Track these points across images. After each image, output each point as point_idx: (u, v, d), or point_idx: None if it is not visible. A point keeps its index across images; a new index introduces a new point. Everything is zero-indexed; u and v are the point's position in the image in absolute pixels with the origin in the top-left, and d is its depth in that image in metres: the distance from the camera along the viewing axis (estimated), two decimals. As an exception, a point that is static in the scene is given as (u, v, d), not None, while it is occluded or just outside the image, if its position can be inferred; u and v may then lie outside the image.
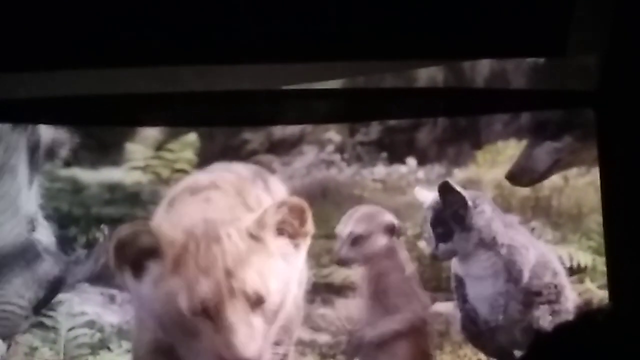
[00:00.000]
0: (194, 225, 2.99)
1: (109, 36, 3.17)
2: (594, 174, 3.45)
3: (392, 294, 3.35)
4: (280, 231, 3.02)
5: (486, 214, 3.37)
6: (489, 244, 3.37)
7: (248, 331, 2.85)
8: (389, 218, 3.37)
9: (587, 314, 1.15)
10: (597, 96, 3.42)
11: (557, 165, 3.46)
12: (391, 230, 3.36)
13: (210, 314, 2.86)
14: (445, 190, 3.37)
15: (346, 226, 3.37)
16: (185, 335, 2.93)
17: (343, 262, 3.38)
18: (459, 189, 3.37)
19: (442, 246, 3.36)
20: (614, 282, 3.35)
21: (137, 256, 2.93)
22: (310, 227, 3.06)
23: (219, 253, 2.90)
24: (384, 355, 3.32)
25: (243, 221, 3.00)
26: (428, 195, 3.43)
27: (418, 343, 3.35)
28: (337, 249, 3.36)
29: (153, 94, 3.31)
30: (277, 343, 3.14)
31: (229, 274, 2.88)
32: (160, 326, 3.05)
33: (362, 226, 3.36)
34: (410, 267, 3.41)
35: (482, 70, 3.60)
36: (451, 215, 3.36)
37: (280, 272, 3.00)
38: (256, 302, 2.89)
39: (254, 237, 2.96)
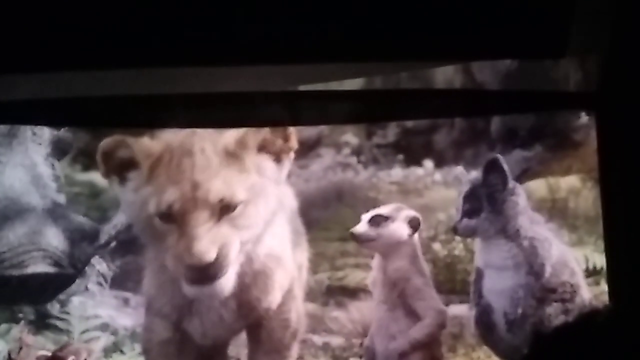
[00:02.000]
0: (172, 139, 3.21)
1: (128, 36, 3.24)
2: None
3: (412, 299, 3.37)
4: (261, 149, 3.19)
5: (519, 206, 3.40)
6: (512, 235, 3.40)
7: (210, 238, 3.05)
8: (414, 212, 3.39)
9: (587, 315, 1.18)
10: (597, 97, 3.44)
11: (524, 174, 3.48)
12: (415, 225, 3.38)
13: (176, 220, 3.09)
14: (493, 167, 3.39)
15: (370, 212, 3.39)
16: (154, 239, 3.19)
17: (357, 237, 3.37)
18: (506, 170, 3.39)
19: (466, 221, 3.40)
20: (613, 283, 3.38)
21: (120, 166, 3.20)
22: (293, 142, 3.24)
23: (188, 165, 3.12)
24: None
25: (222, 138, 3.19)
26: (473, 175, 3.44)
27: (432, 351, 3.38)
28: (357, 226, 3.37)
29: (171, 95, 3.38)
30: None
31: (195, 185, 3.09)
32: (136, 230, 3.32)
33: (386, 209, 3.39)
34: (428, 272, 3.43)
35: (491, 71, 3.63)
36: (486, 194, 3.39)
37: (253, 184, 3.16)
38: (222, 210, 3.09)
39: (230, 154, 3.15)
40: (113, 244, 3.52)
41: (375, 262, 3.43)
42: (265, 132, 3.19)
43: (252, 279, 3.23)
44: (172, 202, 3.08)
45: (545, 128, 3.55)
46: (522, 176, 3.48)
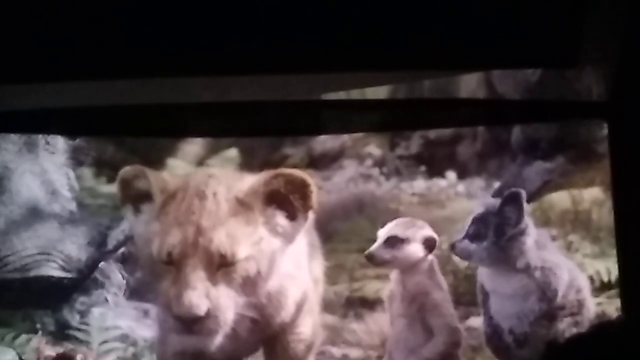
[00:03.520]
0: (189, 177, 3.16)
1: (148, 45, 3.28)
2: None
3: (430, 314, 3.37)
4: (272, 202, 3.07)
5: (525, 245, 3.37)
6: (522, 269, 3.37)
7: (202, 290, 2.94)
8: (431, 232, 3.36)
9: (599, 326, 1.22)
10: (609, 107, 3.46)
11: (546, 187, 3.50)
12: (431, 245, 3.36)
13: (174, 264, 2.98)
14: (512, 200, 3.35)
15: (386, 228, 3.37)
16: (155, 279, 3.10)
17: (372, 259, 3.35)
18: (525, 209, 3.35)
19: (466, 244, 3.38)
20: (626, 294, 3.40)
21: (135, 196, 3.15)
22: (313, 202, 3.09)
23: (197, 208, 3.02)
24: None
25: (236, 185, 3.09)
26: (490, 201, 3.42)
27: None
28: (372, 248, 3.35)
29: (192, 105, 3.42)
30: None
31: (199, 230, 2.99)
32: (141, 262, 3.29)
33: (400, 229, 3.36)
34: (446, 286, 3.42)
35: (512, 81, 3.66)
36: (496, 224, 3.36)
37: (260, 239, 3.04)
38: (220, 263, 2.98)
39: (241, 203, 3.05)
40: (122, 250, 3.58)
41: (394, 275, 3.43)
42: (278, 183, 3.06)
43: (266, 301, 3.17)
44: (174, 246, 2.99)
45: (567, 139, 3.57)
46: (543, 188, 3.51)
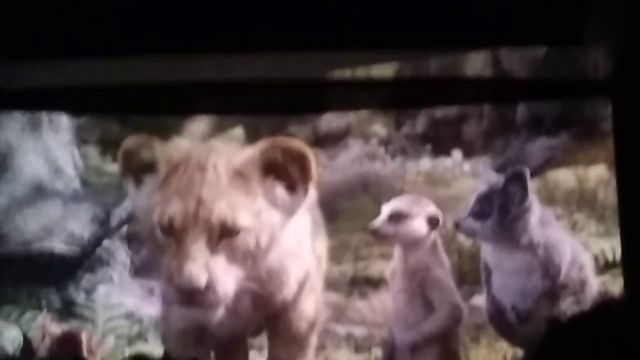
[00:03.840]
0: (192, 150, 3.18)
1: (153, 23, 3.28)
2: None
3: (431, 289, 3.38)
4: (270, 172, 3.07)
5: (530, 223, 3.38)
6: (525, 246, 3.38)
7: (202, 264, 2.95)
8: (435, 210, 3.38)
9: (602, 304, 1.23)
10: (614, 84, 3.47)
11: (549, 163, 3.50)
12: (434, 223, 3.36)
13: (175, 235, 3.00)
14: (516, 178, 3.36)
15: (391, 204, 3.38)
16: (156, 250, 3.14)
17: (376, 233, 3.37)
18: (530, 187, 3.36)
19: (470, 221, 3.39)
20: (628, 272, 3.42)
21: (139, 168, 3.16)
22: (312, 174, 3.09)
23: (197, 181, 3.04)
24: (417, 357, 3.36)
25: (236, 156, 3.11)
26: (494, 176, 3.43)
27: (449, 344, 3.40)
28: (375, 222, 3.36)
29: (200, 83, 3.42)
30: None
31: (199, 202, 3.00)
32: (142, 236, 3.32)
33: (405, 205, 3.37)
34: (448, 264, 3.44)
35: (518, 59, 3.63)
36: (500, 203, 3.36)
37: (259, 210, 3.05)
38: (221, 234, 2.99)
39: (239, 173, 3.06)
40: (126, 228, 3.60)
41: (396, 252, 3.45)
42: (275, 154, 3.06)
43: (266, 277, 3.19)
44: (175, 216, 3.00)
45: (571, 116, 3.58)
46: (546, 164, 3.50)
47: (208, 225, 2.98)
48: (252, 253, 3.04)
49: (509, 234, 3.39)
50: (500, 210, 3.38)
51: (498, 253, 3.44)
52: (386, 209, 3.38)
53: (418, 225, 3.38)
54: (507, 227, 3.39)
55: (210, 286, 2.96)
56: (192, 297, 2.97)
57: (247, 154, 3.10)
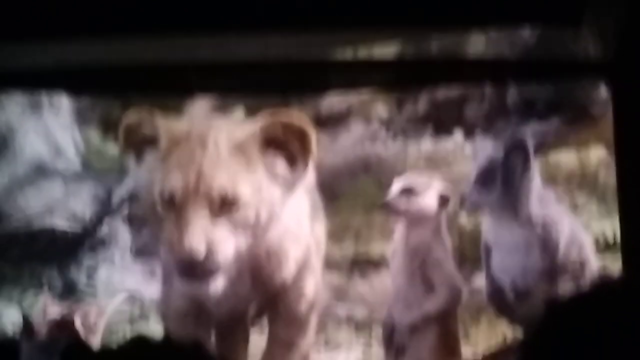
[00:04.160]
0: (193, 125, 3.18)
1: (152, 2, 3.28)
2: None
3: (432, 270, 3.39)
4: (271, 147, 3.09)
5: (531, 192, 3.38)
6: (524, 219, 3.39)
7: (203, 234, 2.97)
8: (446, 188, 3.38)
9: (600, 284, 1.24)
10: (612, 66, 3.46)
11: (540, 147, 3.47)
12: (445, 201, 3.37)
13: (175, 208, 3.02)
14: (517, 147, 3.36)
15: (402, 179, 3.39)
16: (155, 223, 3.15)
17: (387, 207, 3.37)
18: (531, 154, 3.37)
19: (475, 196, 3.39)
20: (626, 253, 3.42)
21: (140, 142, 3.17)
22: (312, 150, 3.10)
23: (198, 155, 3.05)
24: (415, 337, 3.39)
25: (237, 131, 3.12)
26: (489, 146, 3.44)
27: (448, 325, 3.41)
28: (387, 197, 3.37)
29: (202, 63, 3.41)
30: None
31: (200, 175, 3.02)
32: (143, 211, 3.34)
33: (418, 180, 3.38)
34: (450, 245, 3.44)
35: (513, 41, 3.61)
36: (503, 174, 3.36)
37: (260, 184, 3.07)
38: (222, 206, 3.01)
39: (240, 147, 3.07)
40: (126, 207, 3.61)
41: (398, 230, 3.46)
42: (276, 129, 3.08)
43: (265, 256, 3.21)
44: (175, 190, 3.02)
45: (562, 100, 3.57)
46: (538, 149, 3.46)
47: (208, 197, 3.00)
48: (252, 227, 3.05)
49: (513, 205, 3.40)
50: (504, 182, 3.38)
51: (498, 229, 3.45)
52: (398, 184, 3.38)
53: (429, 202, 3.39)
54: (512, 197, 3.39)
55: (209, 255, 2.98)
56: (192, 268, 2.98)
57: (247, 128, 3.11)
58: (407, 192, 3.37)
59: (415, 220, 3.40)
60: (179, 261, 3.00)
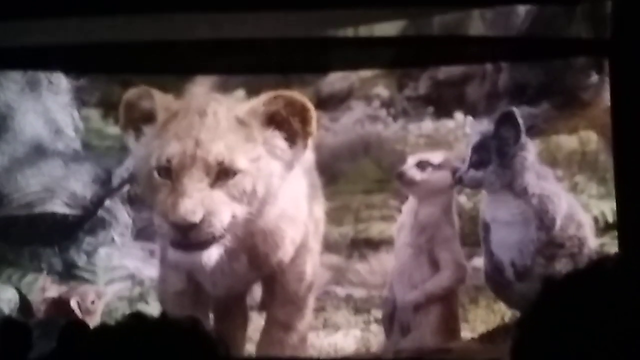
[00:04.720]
0: (192, 98, 3.25)
1: None
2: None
3: (439, 248, 3.41)
4: (272, 123, 3.12)
5: (527, 161, 3.39)
6: (520, 193, 3.40)
7: (198, 199, 3.00)
8: (461, 165, 3.40)
9: (597, 262, 1.24)
10: (612, 44, 3.46)
11: (530, 132, 3.45)
12: (458, 180, 3.40)
13: (171, 176, 3.06)
14: (507, 120, 3.37)
15: (419, 153, 3.43)
16: (151, 191, 3.18)
17: (402, 177, 3.39)
18: (521, 124, 3.36)
19: (472, 172, 3.39)
20: (624, 233, 3.43)
21: (139, 118, 3.21)
22: (313, 128, 3.15)
23: (197, 124, 3.10)
24: (418, 316, 3.41)
25: (237, 106, 3.18)
26: (484, 125, 3.45)
27: (450, 305, 3.44)
28: (403, 167, 3.39)
29: (202, 42, 3.41)
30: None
31: (197, 143, 3.06)
32: (139, 185, 3.38)
33: (435, 156, 3.42)
34: (457, 225, 3.47)
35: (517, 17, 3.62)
36: (496, 147, 3.37)
37: (258, 157, 3.10)
38: (219, 174, 3.05)
39: (240, 121, 3.11)
40: (126, 187, 3.62)
41: (408, 205, 3.47)
42: (277, 104, 3.11)
43: (262, 237, 3.24)
44: (172, 156, 3.04)
45: (553, 85, 3.57)
46: (527, 133, 3.44)
47: (205, 164, 3.03)
48: (248, 198, 3.08)
49: (508, 177, 3.41)
50: (499, 154, 3.39)
51: (495, 204, 3.46)
52: (414, 158, 3.42)
53: (444, 176, 3.42)
54: (508, 168, 3.40)
55: (205, 220, 3.00)
56: (188, 232, 3.00)
57: (250, 104, 3.15)
58: (423, 165, 3.40)
59: (428, 194, 3.42)
60: (173, 226, 3.02)
